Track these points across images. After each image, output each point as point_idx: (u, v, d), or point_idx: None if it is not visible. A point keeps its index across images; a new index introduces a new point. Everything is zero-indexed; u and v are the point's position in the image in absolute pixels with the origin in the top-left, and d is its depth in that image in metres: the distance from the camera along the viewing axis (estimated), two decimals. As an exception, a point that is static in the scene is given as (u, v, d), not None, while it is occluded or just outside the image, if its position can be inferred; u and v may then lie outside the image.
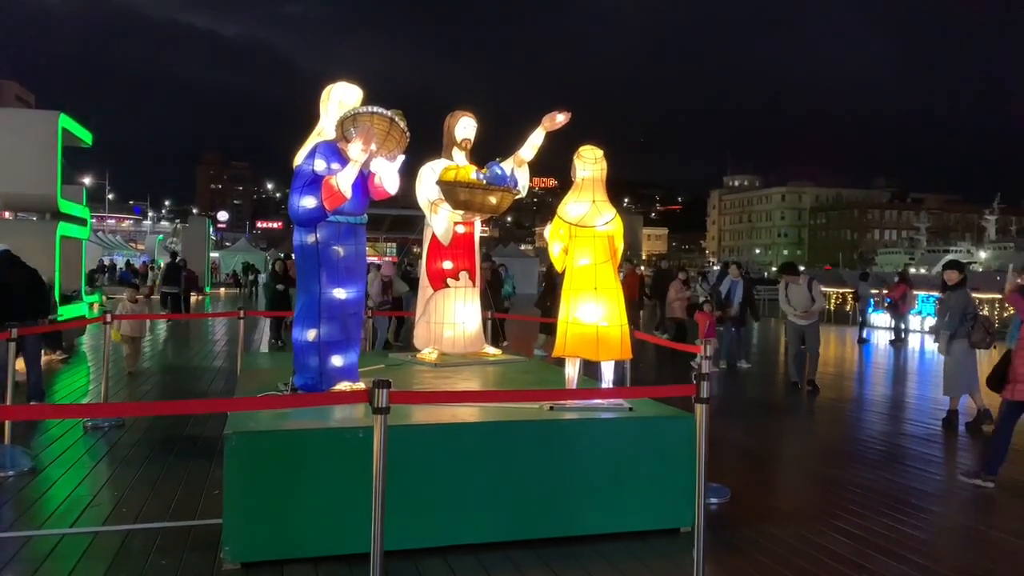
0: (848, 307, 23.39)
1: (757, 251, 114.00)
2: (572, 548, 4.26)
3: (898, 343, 17.79)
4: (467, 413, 4.67)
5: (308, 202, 4.90)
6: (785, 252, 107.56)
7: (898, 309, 18.47)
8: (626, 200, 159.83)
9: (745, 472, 6.33)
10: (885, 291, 20.56)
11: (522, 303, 20.39)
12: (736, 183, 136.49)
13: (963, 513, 5.45)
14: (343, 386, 4.97)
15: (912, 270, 42.90)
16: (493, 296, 11.05)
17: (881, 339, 18.67)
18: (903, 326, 18.65)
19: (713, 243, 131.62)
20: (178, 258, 23.71)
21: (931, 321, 19.64)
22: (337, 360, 5.10)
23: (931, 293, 19.87)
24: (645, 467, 4.54)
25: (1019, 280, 5.95)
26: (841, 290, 25.10)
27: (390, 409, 3.14)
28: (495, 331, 9.40)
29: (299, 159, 5.31)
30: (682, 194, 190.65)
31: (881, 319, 20.83)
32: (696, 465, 3.62)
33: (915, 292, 19.76)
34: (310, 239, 5.05)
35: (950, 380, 8.27)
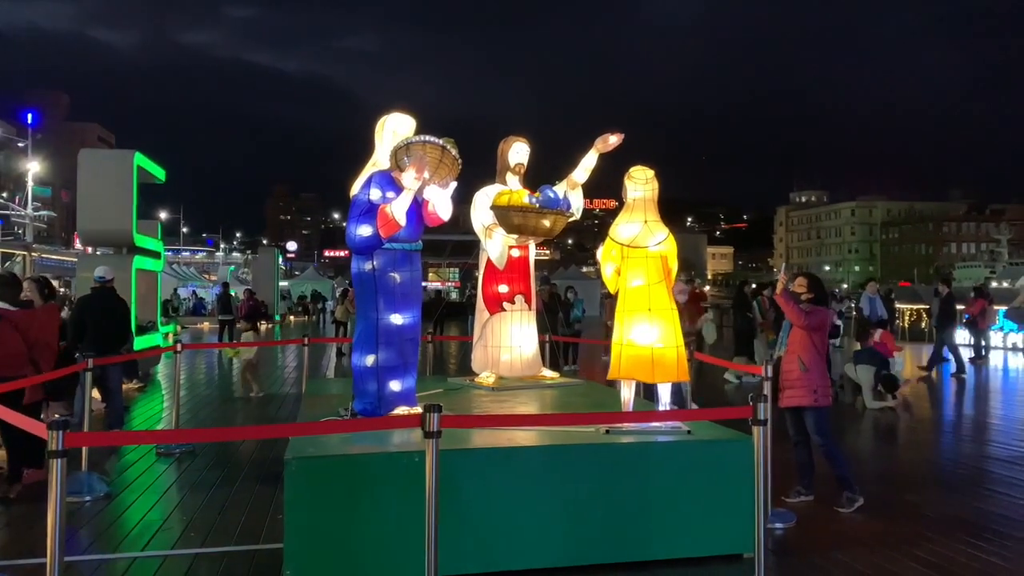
0: (923, 324, 22.48)
1: (827, 268, 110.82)
2: (629, 574, 4.18)
3: (979, 360, 16.99)
4: (523, 437, 4.66)
5: (364, 231, 5.02)
6: (856, 268, 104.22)
7: (977, 325, 17.67)
8: (689, 220, 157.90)
9: (815, 495, 6.12)
10: (963, 307, 19.71)
11: (588, 325, 20.31)
12: (803, 199, 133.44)
13: (1050, 540, 5.14)
14: (401, 410, 5.03)
15: (993, 284, 40.96)
16: (551, 319, 11.04)
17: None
18: (983, 343, 17.81)
19: (780, 261, 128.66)
20: (230, 288, 24.55)
21: (1015, 337, 18.75)
22: (395, 385, 5.17)
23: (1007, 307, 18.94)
24: (704, 490, 4.44)
25: (786, 281, 5.66)
26: (916, 306, 24.14)
27: (442, 433, 3.16)
28: (553, 354, 9.38)
29: (355, 189, 5.44)
30: (747, 211, 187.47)
31: (960, 336, 19.93)
32: (755, 488, 3.53)
33: (995, 307, 18.88)
34: (367, 267, 5.16)
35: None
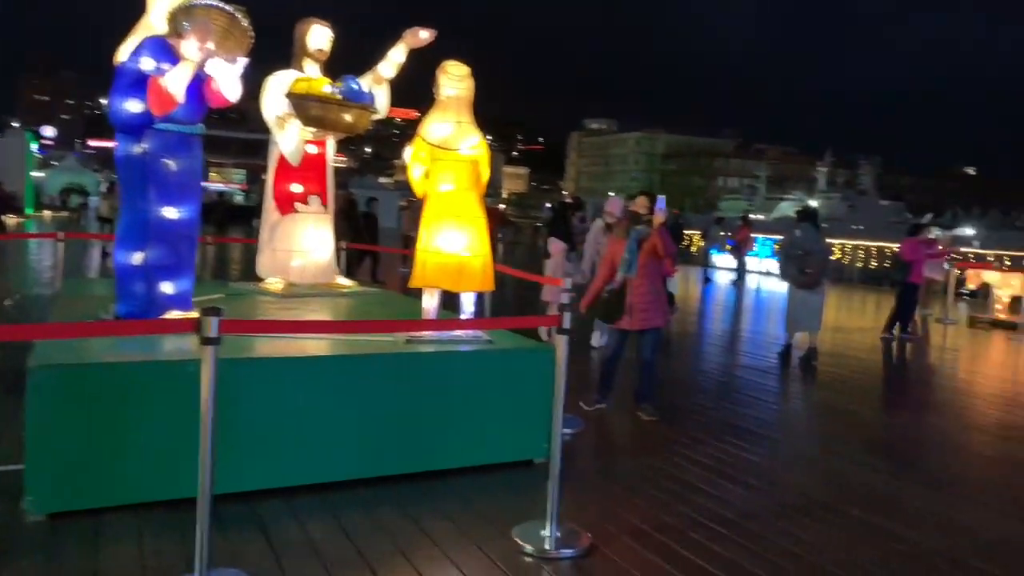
0: (695, 249, 24.53)
1: (612, 194, 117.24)
2: (425, 484, 4.09)
3: (739, 283, 18.86)
4: (315, 346, 4.34)
5: (133, 105, 4.30)
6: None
7: (740, 250, 19.55)
8: (490, 137, 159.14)
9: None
10: (728, 233, 21.69)
11: (385, 237, 19.83)
12: (595, 126, 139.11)
13: (802, 440, 5.77)
14: (174, 315, 4.47)
15: (751, 216, 45.60)
16: (349, 227, 10.56)
17: (723, 279, 19.73)
18: (743, 267, 19.77)
19: (571, 185, 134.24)
20: None
21: (770, 263, 20.97)
22: (167, 287, 4.57)
23: (769, 236, 21.15)
24: (502, 399, 4.42)
25: (664, 218, 5.69)
26: (689, 232, 26.20)
27: (221, 340, 2.78)
28: (349, 263, 8.97)
29: (122, 56, 4.64)
30: (544, 135, 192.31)
31: (724, 260, 22.00)
32: (554, 397, 3.51)
33: (754, 235, 20.97)
34: (136, 150, 4.45)
35: (790, 317, 8.74)
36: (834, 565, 3.46)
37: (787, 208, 49.18)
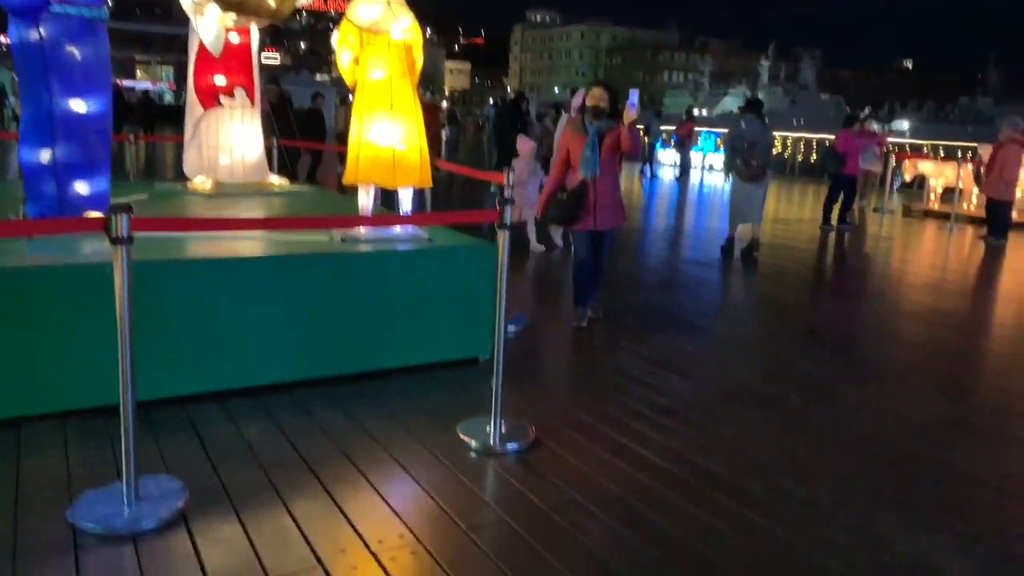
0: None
1: (557, 89, 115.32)
2: (367, 384, 4.02)
3: (683, 178, 18.89)
4: (246, 247, 4.13)
5: (21, -17, 3.85)
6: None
7: (684, 145, 19.47)
8: (428, 31, 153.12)
9: (541, 299, 6.39)
10: (673, 128, 21.54)
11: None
12: (538, 18, 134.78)
13: (743, 331, 5.85)
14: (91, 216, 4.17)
15: (695, 111, 45.41)
16: (281, 124, 10.03)
17: (666, 174, 19.73)
18: (687, 162, 19.77)
19: (515, 80, 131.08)
20: None
21: (714, 157, 20.99)
22: (81, 187, 4.24)
23: (712, 130, 21.09)
24: (444, 298, 4.31)
25: (635, 115, 5.04)
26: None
27: (133, 239, 2.57)
28: (282, 161, 8.58)
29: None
30: (486, 28, 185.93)
31: (668, 156, 21.94)
32: (497, 293, 3.42)
33: (698, 130, 20.88)
34: (32, 36, 4.01)
35: (733, 210, 8.77)
36: (770, 452, 3.54)
37: (731, 103, 49.10)
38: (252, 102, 6.34)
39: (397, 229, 4.52)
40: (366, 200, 4.59)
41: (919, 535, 2.85)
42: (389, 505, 2.85)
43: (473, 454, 3.32)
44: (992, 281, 8.62)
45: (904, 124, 38.85)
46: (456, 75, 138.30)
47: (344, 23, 4.50)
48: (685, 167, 19.50)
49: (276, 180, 6.71)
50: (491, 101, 47.27)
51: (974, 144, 15.74)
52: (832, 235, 10.92)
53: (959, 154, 16.08)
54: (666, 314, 6.02)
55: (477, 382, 3.99)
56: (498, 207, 3.46)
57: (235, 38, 6.11)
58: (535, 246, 8.09)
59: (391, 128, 4.43)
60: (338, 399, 3.81)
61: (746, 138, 8.55)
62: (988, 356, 5.57)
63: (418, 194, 5.25)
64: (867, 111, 16.72)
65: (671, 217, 12.85)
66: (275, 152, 7.99)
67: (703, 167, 21.54)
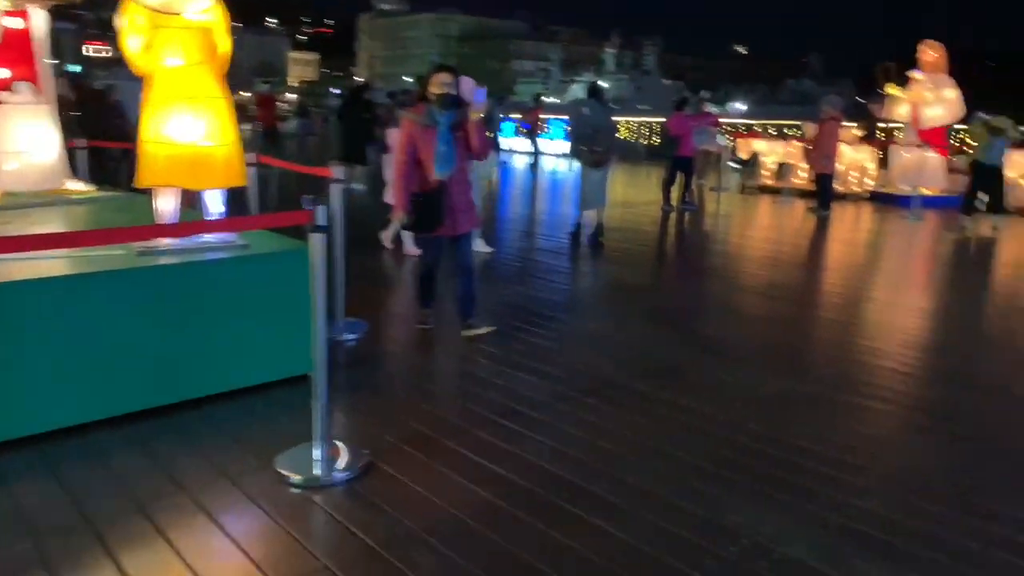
0: (489, 134, 24.26)
1: (409, 79, 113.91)
2: (175, 418, 3.53)
3: (534, 165, 18.96)
4: (19, 269, 3.51)
5: None
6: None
7: (533, 133, 19.55)
8: (273, 20, 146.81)
9: (385, 302, 6.04)
10: (521, 116, 21.59)
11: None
12: (386, 7, 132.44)
13: (592, 320, 5.75)
14: None
15: (546, 99, 46.10)
16: (88, 121, 9.05)
17: (518, 162, 19.75)
18: (537, 149, 19.87)
19: (365, 71, 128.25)
20: None
21: (563, 144, 21.20)
22: None
23: (560, 117, 21.31)
24: (263, 310, 3.87)
25: (488, 110, 4.84)
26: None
27: None
28: (96, 164, 7.69)
29: None
30: (333, 16, 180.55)
31: (519, 143, 21.98)
32: (312, 301, 3.06)
33: (546, 117, 21.06)
34: None
35: (583, 196, 8.72)
36: (619, 448, 3.40)
37: (579, 90, 50.22)
38: (39, 97, 5.56)
39: (207, 236, 4.03)
40: (167, 205, 4.05)
41: (765, 521, 2.78)
42: (190, 568, 2.44)
43: (295, 490, 2.95)
44: (822, 251, 9.09)
45: (740, 106, 41.15)
46: (303, 66, 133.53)
47: (130, 4, 3.94)
48: (535, 154, 19.58)
49: (76, 186, 5.95)
50: (336, 91, 45.71)
51: (799, 122, 16.72)
52: (674, 216, 11.20)
53: (787, 132, 17.07)
54: (515, 307, 5.83)
55: (305, 404, 3.61)
56: (312, 207, 3.10)
57: (11, 22, 5.32)
58: (409, 248, 7.53)
59: (190, 122, 3.93)
60: (140, 439, 3.31)
61: (590, 124, 8.53)
62: (824, 326, 5.77)
63: (236, 194, 4.74)
64: (704, 95, 17.39)
65: (523, 205, 12.78)
66: (81, 154, 7.12)
67: (554, 154, 21.74)
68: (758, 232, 10.58)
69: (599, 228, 8.56)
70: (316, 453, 3.06)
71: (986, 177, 9.80)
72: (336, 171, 5.07)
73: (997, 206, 9.82)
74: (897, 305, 6.29)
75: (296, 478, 2.99)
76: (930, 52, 13.08)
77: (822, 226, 10.56)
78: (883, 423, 3.83)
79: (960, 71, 13.38)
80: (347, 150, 12.74)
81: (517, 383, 4.19)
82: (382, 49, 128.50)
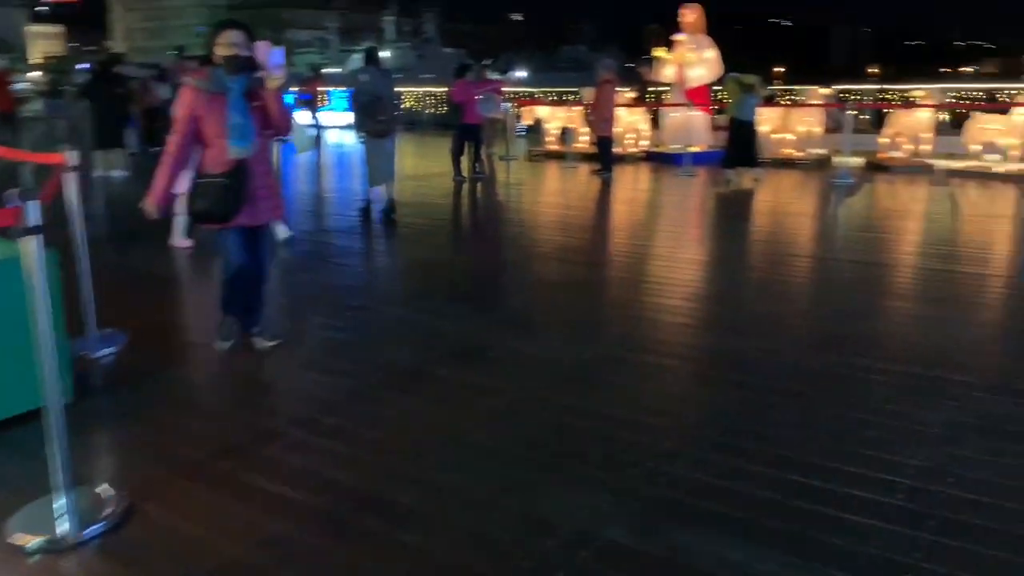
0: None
1: (174, 53, 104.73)
2: None
3: (316, 139, 18.05)
4: None
5: None
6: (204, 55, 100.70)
7: (313, 106, 18.61)
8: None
9: (156, 307, 5.31)
10: (299, 88, 20.47)
11: None
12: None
13: (391, 305, 5.42)
14: None
15: (326, 70, 44.34)
16: None
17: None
18: (318, 123, 18.96)
19: (123, 44, 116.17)
20: None
21: (345, 116, 20.40)
22: None
23: (343, 88, 20.47)
24: (-18, 335, 3.17)
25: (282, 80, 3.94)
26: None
27: None
28: None
29: None
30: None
31: (299, 117, 20.86)
32: (33, 318, 2.49)
33: (326, 88, 20.13)
34: None
35: (370, 170, 8.30)
36: (423, 445, 3.15)
37: (360, 60, 48.90)
38: None
39: None
40: None
41: (582, 505, 2.66)
42: None
43: (34, 558, 2.40)
44: (607, 213, 9.38)
45: (519, 74, 42.04)
46: (45, 40, 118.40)
47: None
48: (317, 128, 18.66)
49: None
50: (85, 66, 40.86)
51: (577, 88, 17.26)
52: (466, 186, 11.09)
53: (567, 98, 17.56)
54: (305, 298, 5.38)
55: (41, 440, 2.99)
56: (20, 203, 2.50)
57: None
58: (179, 241, 6.69)
59: None
60: None
61: (370, 92, 8.11)
62: (617, 287, 5.88)
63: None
64: (486, 62, 17.41)
65: (308, 183, 12.06)
66: None
67: (338, 127, 20.87)
68: (548, 198, 10.74)
69: (390, 203, 8.21)
70: (57, 506, 2.51)
71: (742, 132, 10.58)
72: (69, 157, 4.30)
73: (753, 159, 10.66)
74: (678, 260, 6.56)
75: (33, 542, 2.43)
76: (689, 14, 13.92)
77: (606, 188, 10.93)
78: (679, 380, 3.90)
79: (715, 32, 14.38)
80: (100, 133, 11.29)
81: (308, 386, 3.80)
82: (141, 20, 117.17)
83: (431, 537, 2.49)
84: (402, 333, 4.63)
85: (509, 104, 15.20)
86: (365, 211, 8.28)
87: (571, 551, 2.42)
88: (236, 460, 2.99)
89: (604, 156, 11.83)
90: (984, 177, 11.25)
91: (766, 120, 12.65)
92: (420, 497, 2.73)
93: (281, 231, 6.95)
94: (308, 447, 3.12)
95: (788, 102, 15.49)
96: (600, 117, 11.83)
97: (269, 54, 3.79)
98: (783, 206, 9.54)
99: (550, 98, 19.41)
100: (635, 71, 16.23)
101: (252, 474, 2.88)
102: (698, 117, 13.75)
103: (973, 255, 6.60)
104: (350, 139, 18.03)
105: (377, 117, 8.04)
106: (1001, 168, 11.50)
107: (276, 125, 3.94)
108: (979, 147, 12.10)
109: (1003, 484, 2.75)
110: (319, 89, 18.87)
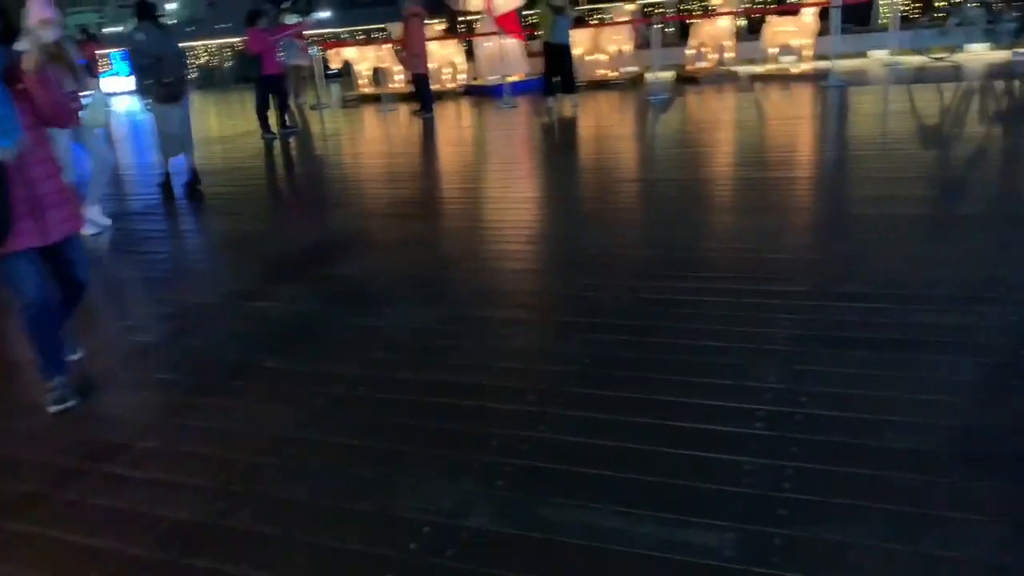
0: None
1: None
2: None
3: (104, 108, 16.21)
4: None
5: None
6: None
7: (92, 71, 16.61)
8: None
9: None
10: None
11: None
12: None
13: (199, 292, 4.85)
14: None
15: (106, 30, 39.92)
16: None
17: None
18: (100, 90, 17.00)
19: None
20: None
21: (130, 81, 18.44)
22: None
23: (124, 50, 18.42)
24: None
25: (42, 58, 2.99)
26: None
27: None
28: None
29: None
30: None
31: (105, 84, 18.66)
32: None
33: (107, 51, 18.06)
34: None
35: (163, 139, 7.41)
36: (252, 451, 2.78)
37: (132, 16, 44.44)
38: None
39: None
40: None
41: (443, 495, 2.41)
42: None
43: None
44: (434, 156, 9.02)
45: (321, 15, 39.82)
46: None
47: None
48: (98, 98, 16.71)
49: None
50: None
51: (384, 25, 16.46)
52: (277, 143, 10.31)
53: (375, 36, 16.71)
54: (104, 299, 4.69)
55: None
56: None
57: None
58: None
59: None
60: None
61: (149, 53, 7.17)
62: (455, 238, 5.59)
63: None
64: (285, 5, 16.13)
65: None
66: None
67: (124, 93, 18.85)
68: (369, 146, 10.19)
69: (193, 174, 7.41)
70: None
71: (556, 56, 10.44)
72: None
73: (572, 85, 10.59)
74: (512, 200, 6.37)
75: None
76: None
77: (428, 128, 10.52)
78: (530, 333, 3.71)
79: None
80: None
81: (112, 407, 3.28)
82: None
83: (281, 564, 2.17)
84: (222, 325, 4.13)
85: (316, 48, 14.25)
86: (165, 186, 7.44)
87: (436, 551, 2.18)
88: (24, 513, 2.49)
89: (422, 94, 11.35)
90: (784, 79, 11.87)
91: (578, 42, 12.61)
92: (261, 518, 2.38)
93: (91, 228, 6.04)
94: (119, 483, 2.65)
95: (596, 22, 15.57)
96: (412, 53, 11.30)
97: (31, 10, 3.00)
98: (604, 130, 9.56)
99: (358, 37, 18.46)
100: (442, 2, 15.65)
101: (46, 528, 2.41)
102: (512, 45, 13.51)
103: (782, 159, 6.87)
104: (139, 107, 16.35)
105: (162, 80, 7.16)
106: (797, 69, 12.18)
107: (45, 113, 3.00)
108: (776, 50, 12.74)
109: (853, 395, 2.78)
110: (97, 53, 16.81)
